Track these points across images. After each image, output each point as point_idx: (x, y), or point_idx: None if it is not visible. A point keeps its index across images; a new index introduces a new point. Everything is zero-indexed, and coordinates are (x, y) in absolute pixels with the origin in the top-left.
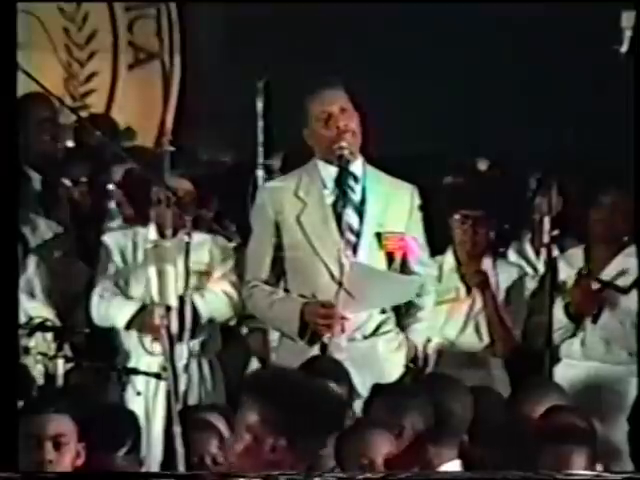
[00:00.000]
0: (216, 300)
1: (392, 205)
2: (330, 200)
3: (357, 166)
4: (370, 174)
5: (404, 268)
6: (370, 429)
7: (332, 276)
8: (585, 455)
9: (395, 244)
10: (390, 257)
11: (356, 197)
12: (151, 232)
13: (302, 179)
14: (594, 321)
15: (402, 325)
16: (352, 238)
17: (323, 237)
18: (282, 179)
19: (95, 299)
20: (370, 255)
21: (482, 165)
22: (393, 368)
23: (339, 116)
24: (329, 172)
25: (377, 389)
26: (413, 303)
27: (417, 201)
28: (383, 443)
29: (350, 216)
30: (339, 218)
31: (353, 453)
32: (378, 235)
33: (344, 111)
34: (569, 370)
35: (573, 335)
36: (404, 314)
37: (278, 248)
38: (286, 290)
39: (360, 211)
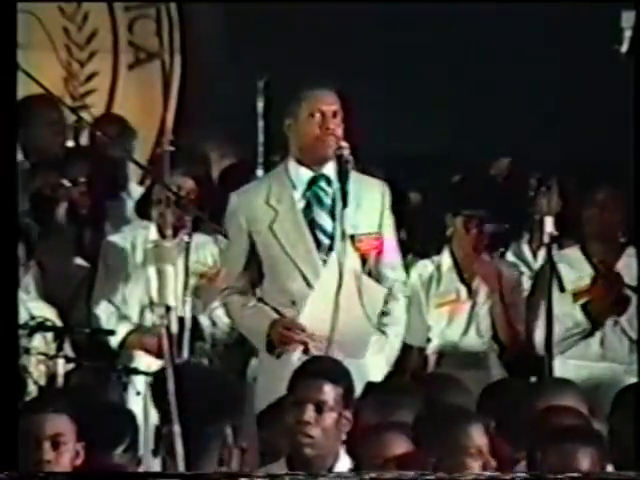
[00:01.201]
0: (223, 326)
1: (364, 205)
2: (301, 205)
3: (329, 169)
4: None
5: (375, 270)
6: (385, 429)
7: (308, 283)
8: (595, 456)
9: (369, 244)
10: (363, 258)
11: (329, 199)
12: (152, 232)
13: (272, 185)
14: (619, 315)
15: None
16: (326, 241)
17: (296, 244)
18: (253, 186)
19: (103, 317)
20: (343, 257)
21: (484, 166)
22: (375, 370)
23: (332, 119)
24: (300, 174)
25: (369, 388)
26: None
27: (388, 201)
28: (398, 443)
29: (324, 219)
30: (312, 223)
31: (368, 452)
32: (352, 237)
33: (336, 115)
34: (581, 371)
35: (590, 335)
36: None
37: (253, 256)
38: (260, 299)
39: (333, 213)
